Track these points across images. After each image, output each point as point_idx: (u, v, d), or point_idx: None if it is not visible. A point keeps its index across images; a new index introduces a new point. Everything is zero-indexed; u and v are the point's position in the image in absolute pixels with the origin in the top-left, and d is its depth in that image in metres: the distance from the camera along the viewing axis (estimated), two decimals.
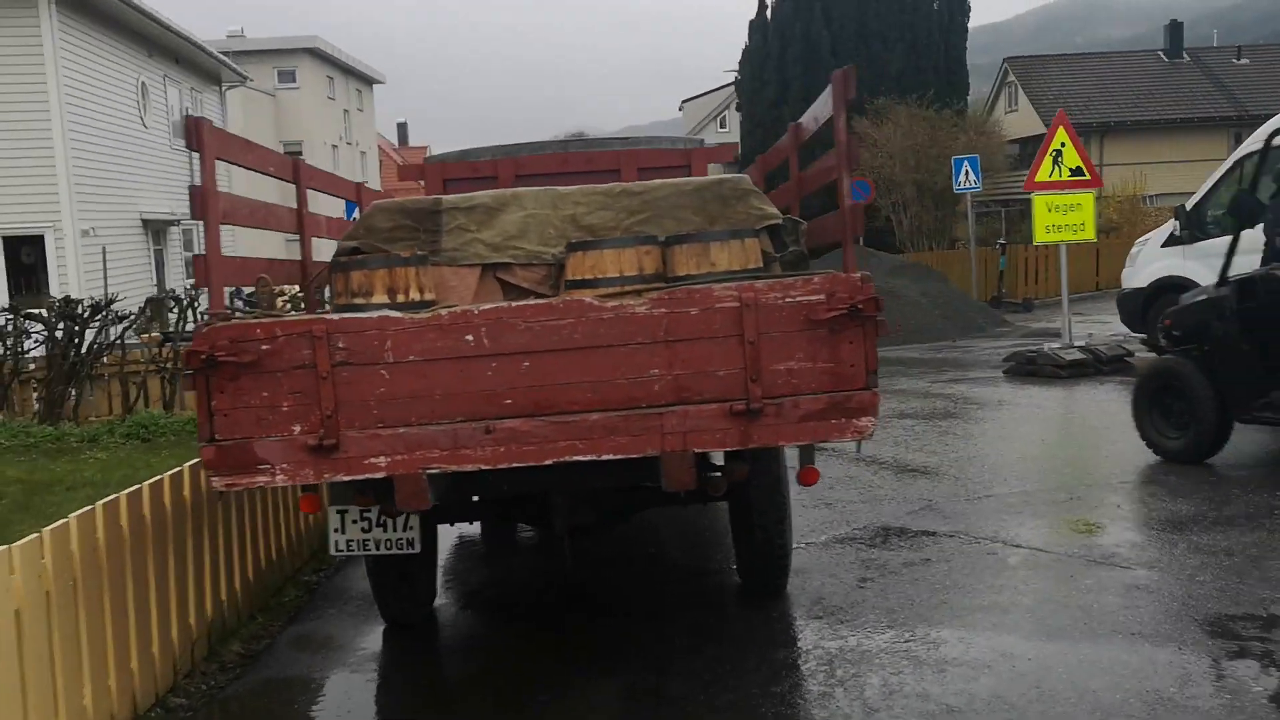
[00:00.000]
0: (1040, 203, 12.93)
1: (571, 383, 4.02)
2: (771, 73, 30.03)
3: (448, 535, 7.51)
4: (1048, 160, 12.89)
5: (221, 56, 29.66)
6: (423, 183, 7.76)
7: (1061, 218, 12.91)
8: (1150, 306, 13.48)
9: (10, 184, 18.43)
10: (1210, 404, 7.75)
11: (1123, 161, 39.65)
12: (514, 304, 4.06)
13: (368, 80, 53.70)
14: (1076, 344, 13.15)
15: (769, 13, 31.12)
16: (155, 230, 24.22)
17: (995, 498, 7.47)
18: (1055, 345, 13.16)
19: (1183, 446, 7.97)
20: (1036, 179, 12.96)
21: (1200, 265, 12.93)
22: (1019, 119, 45.94)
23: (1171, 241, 13.24)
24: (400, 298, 4.30)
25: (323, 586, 6.67)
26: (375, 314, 4.01)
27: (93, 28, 20.84)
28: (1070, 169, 12.90)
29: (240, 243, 26.05)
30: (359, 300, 4.28)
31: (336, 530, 4.94)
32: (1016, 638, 5.04)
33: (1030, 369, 12.92)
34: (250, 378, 3.94)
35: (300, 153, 45.11)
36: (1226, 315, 7.70)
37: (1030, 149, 48.26)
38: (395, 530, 4.90)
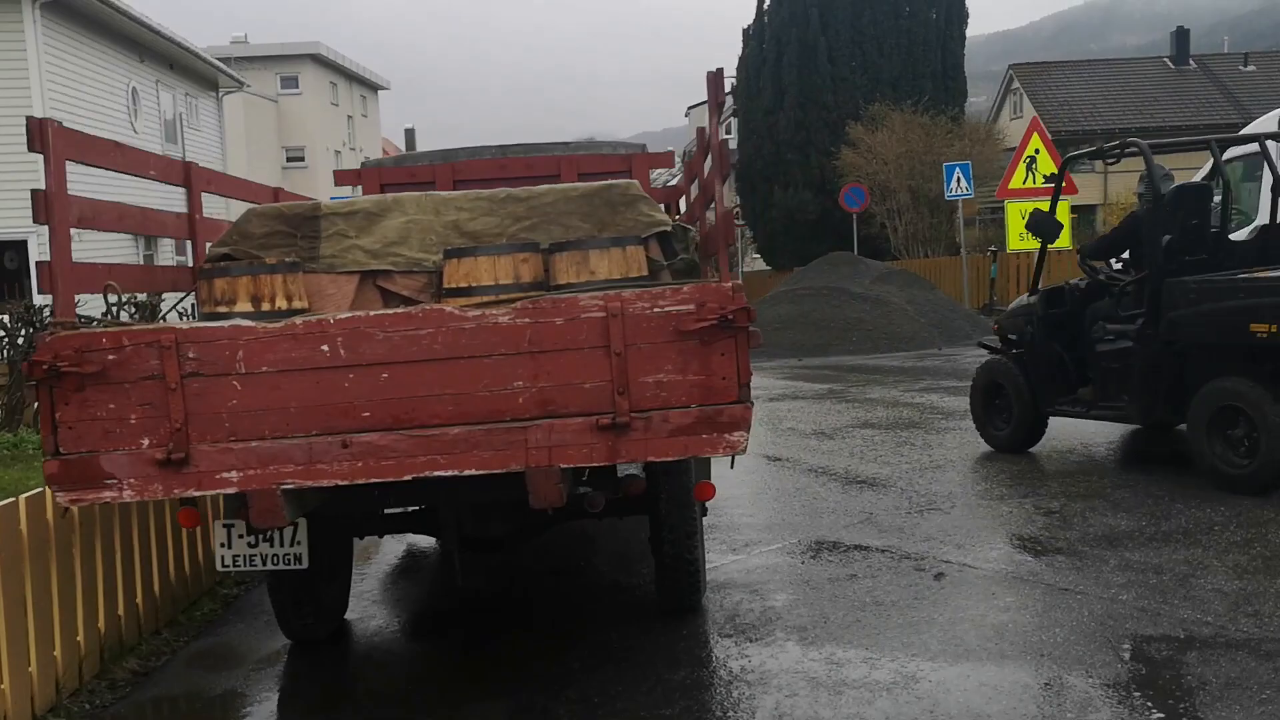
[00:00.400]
0: (1014, 210, 12.77)
1: (432, 395, 3.88)
2: (767, 79, 29.85)
3: (395, 545, 7.41)
4: (1021, 167, 12.73)
5: (216, 62, 29.67)
6: (359, 188, 7.65)
7: None
8: None
9: None
10: (1026, 399, 8.67)
11: (1129, 169, 39.34)
12: (371, 313, 3.92)
13: (372, 86, 53.81)
14: None
15: (766, 18, 30.98)
16: (149, 235, 24.20)
17: (938, 511, 7.30)
18: None
19: (1007, 437, 8.93)
20: (1010, 186, 12.81)
21: None
22: (1024, 126, 45.76)
23: None
24: (266, 306, 4.17)
25: (240, 600, 6.55)
26: (227, 323, 3.88)
27: (79, 32, 20.84)
28: (1044, 175, 12.72)
29: None
30: (222, 309, 4.15)
31: (223, 545, 4.79)
32: (923, 659, 4.87)
33: None
34: (96, 389, 3.81)
35: (303, 158, 45.18)
36: (1035, 321, 8.58)
37: None
38: (282, 545, 4.75)
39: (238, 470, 3.86)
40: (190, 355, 3.83)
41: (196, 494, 3.93)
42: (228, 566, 4.84)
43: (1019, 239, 12.85)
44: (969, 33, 32.06)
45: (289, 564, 4.79)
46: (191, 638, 5.88)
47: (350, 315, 3.89)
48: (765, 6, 30.95)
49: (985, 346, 9.61)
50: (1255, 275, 7.23)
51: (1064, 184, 8.78)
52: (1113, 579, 5.69)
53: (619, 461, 3.96)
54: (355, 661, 5.60)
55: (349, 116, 50.03)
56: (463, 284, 4.31)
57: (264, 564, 4.79)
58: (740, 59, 31.57)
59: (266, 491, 3.87)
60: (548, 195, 4.66)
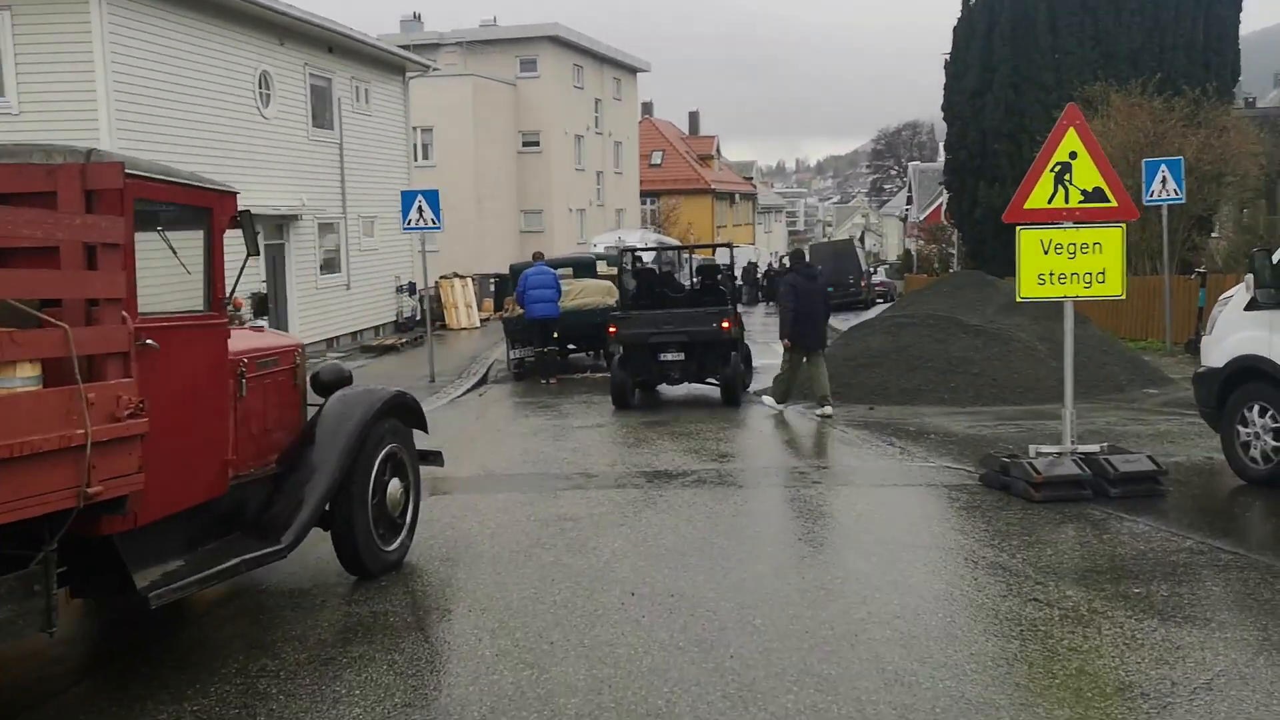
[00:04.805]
0: (1029, 240, 8.73)
1: None
2: (975, 55, 25.24)
3: None
4: (1046, 178, 8.68)
5: (391, 47, 28.94)
6: None
7: (1066, 263, 8.66)
8: (1229, 393, 8.99)
9: None
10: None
11: None
12: None
13: (629, 68, 52.10)
14: (1081, 449, 8.85)
15: None
16: (276, 224, 23.37)
17: None
18: (1050, 449, 8.93)
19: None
20: (1026, 205, 8.77)
21: None
22: None
23: (1254, 305, 8.70)
24: None
25: None
26: None
27: (189, 14, 20.04)
28: (1084, 191, 8.65)
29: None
30: None
31: None
32: None
33: (1004, 480, 8.84)
34: None
35: (537, 142, 44.12)
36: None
37: None
38: None
39: None
40: None
41: None
42: None
43: (1036, 283, 8.81)
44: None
45: None
46: None
47: None
48: None
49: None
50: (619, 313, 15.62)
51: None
52: None
53: None
54: None
55: (597, 99, 48.61)
56: None
57: None
58: (954, 29, 26.99)
59: None
60: None
